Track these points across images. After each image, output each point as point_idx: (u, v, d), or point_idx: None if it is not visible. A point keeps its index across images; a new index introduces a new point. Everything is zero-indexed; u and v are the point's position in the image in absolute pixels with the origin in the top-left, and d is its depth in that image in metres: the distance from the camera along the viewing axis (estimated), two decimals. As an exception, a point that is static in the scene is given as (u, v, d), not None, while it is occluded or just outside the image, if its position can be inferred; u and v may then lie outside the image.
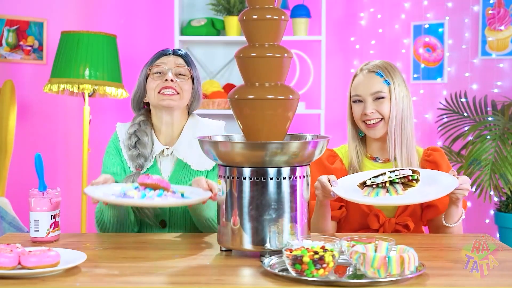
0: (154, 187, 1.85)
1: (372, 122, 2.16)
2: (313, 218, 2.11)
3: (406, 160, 2.15)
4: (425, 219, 2.19)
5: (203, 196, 1.87)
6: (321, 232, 2.10)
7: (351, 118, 2.24)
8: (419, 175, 1.94)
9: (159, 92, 2.14)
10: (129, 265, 1.66)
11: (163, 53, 2.22)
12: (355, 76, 2.23)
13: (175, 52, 2.22)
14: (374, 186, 1.93)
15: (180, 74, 2.17)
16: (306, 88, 4.04)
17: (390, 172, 1.93)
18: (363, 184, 1.95)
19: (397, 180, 1.92)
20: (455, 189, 1.90)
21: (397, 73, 2.20)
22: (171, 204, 1.86)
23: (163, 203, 1.83)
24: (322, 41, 3.85)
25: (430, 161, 2.19)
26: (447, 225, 2.05)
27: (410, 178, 1.92)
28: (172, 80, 2.14)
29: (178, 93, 2.15)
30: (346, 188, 1.95)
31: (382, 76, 2.16)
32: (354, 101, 2.20)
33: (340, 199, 2.16)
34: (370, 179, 1.94)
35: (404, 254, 1.47)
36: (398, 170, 1.93)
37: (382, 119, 2.16)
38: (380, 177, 1.92)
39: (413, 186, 1.92)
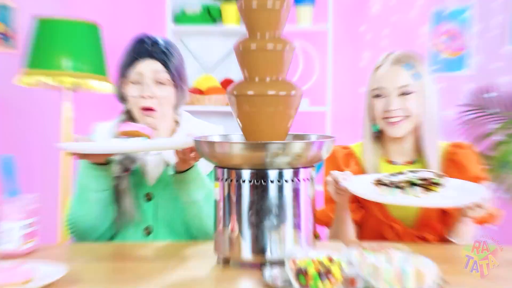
0: (135, 135, 1.93)
1: (395, 120, 2.12)
2: (333, 225, 2.09)
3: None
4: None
5: (178, 142, 1.92)
6: (342, 239, 2.08)
7: (370, 115, 2.20)
8: (443, 178, 1.87)
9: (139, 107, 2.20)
10: (115, 278, 1.67)
11: (138, 56, 2.20)
12: (377, 67, 2.18)
13: (151, 54, 2.20)
14: (391, 186, 1.87)
15: (159, 82, 2.20)
16: (311, 83, 4.07)
17: (410, 172, 1.87)
18: (379, 182, 1.90)
19: (417, 182, 1.85)
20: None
21: (426, 65, 2.15)
22: (141, 148, 1.93)
23: (131, 147, 1.89)
24: (328, 31, 3.88)
25: (454, 161, 2.14)
26: (449, 238, 2.03)
27: (432, 181, 1.86)
28: (150, 96, 2.17)
29: (159, 106, 2.19)
30: (360, 185, 1.92)
31: (410, 68, 2.11)
32: (375, 96, 2.16)
33: (357, 200, 2.16)
34: (387, 177, 1.89)
35: (422, 267, 1.47)
36: (419, 172, 1.87)
37: (407, 116, 2.12)
38: (399, 176, 1.87)
39: (435, 190, 1.85)
